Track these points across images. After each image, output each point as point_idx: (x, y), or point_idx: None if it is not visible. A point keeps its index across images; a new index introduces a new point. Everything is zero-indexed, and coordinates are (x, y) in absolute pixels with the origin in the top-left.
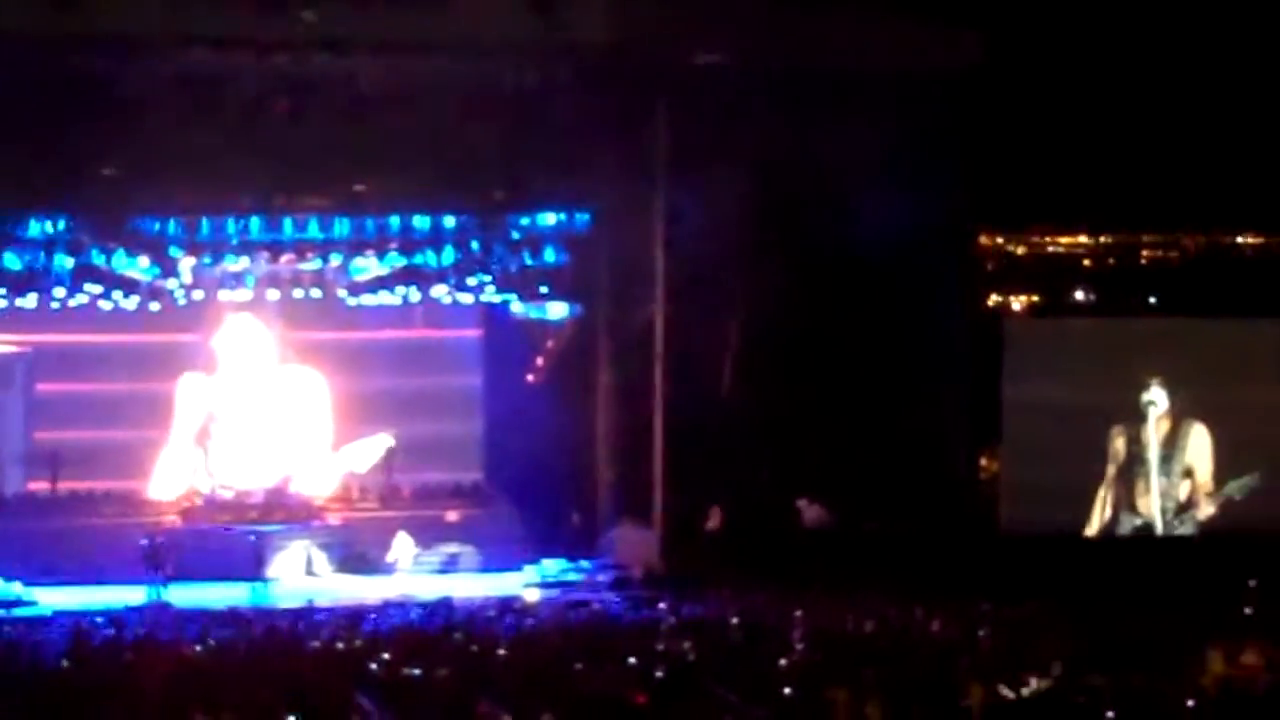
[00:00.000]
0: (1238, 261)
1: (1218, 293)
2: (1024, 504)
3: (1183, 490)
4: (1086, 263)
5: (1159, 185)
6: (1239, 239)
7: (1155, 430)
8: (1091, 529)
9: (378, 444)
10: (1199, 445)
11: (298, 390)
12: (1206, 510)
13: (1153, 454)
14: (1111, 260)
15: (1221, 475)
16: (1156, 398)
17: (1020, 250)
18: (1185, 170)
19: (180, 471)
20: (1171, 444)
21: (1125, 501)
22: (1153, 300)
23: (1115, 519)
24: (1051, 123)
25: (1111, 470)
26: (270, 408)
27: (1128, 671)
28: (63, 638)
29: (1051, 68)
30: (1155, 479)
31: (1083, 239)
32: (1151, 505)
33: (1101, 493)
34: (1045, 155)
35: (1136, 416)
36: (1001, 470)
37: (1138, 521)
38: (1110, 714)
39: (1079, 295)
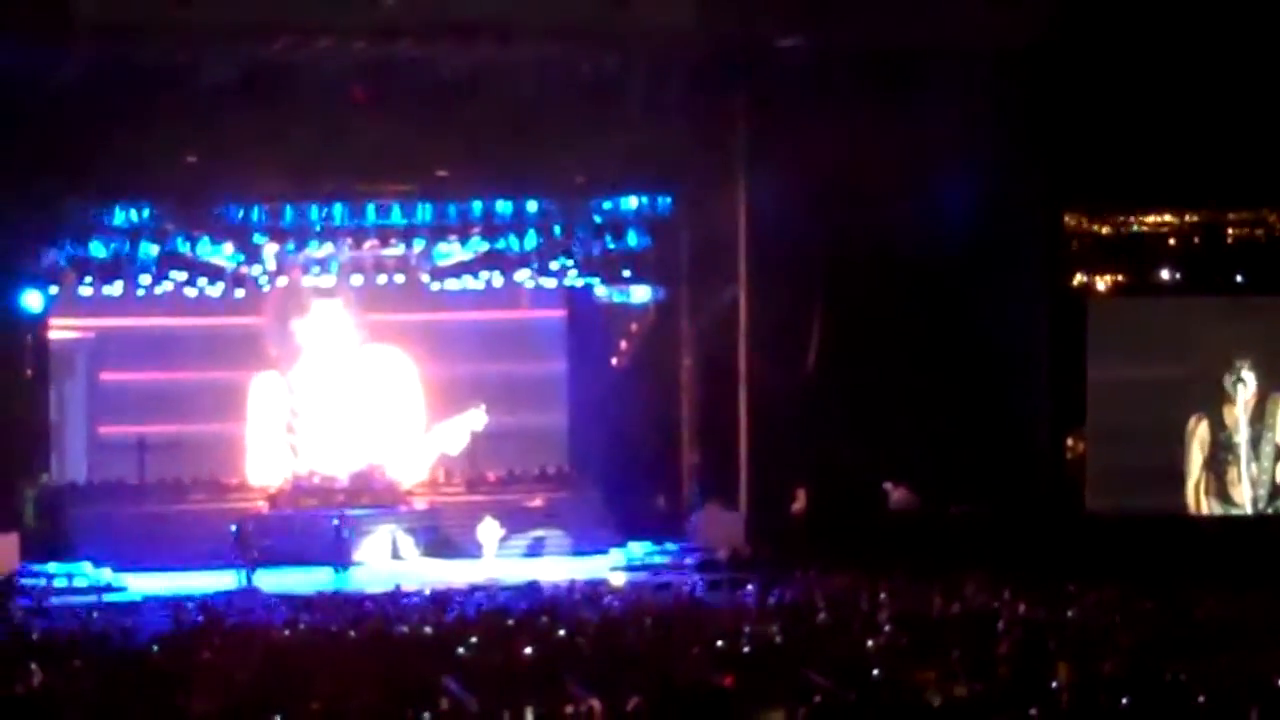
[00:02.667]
0: None
1: None
2: (1110, 485)
3: (1278, 472)
4: (1172, 241)
5: (1245, 162)
6: None
7: (1244, 411)
8: (1181, 513)
9: (469, 420)
10: None
11: (383, 376)
12: None
13: (1242, 437)
14: (1197, 239)
15: None
16: (1245, 378)
17: (1105, 230)
18: (1271, 146)
19: (267, 458)
20: (1260, 424)
21: (1215, 488)
22: (1239, 278)
23: (1206, 505)
24: (1135, 100)
25: (1199, 456)
26: (355, 393)
27: (1215, 653)
28: (152, 623)
29: (1135, 44)
30: (1245, 464)
31: (1168, 217)
32: (1243, 491)
33: (1190, 481)
34: (1129, 133)
35: (1222, 398)
36: (1087, 451)
37: (1232, 510)
38: (1199, 696)
39: (1164, 274)
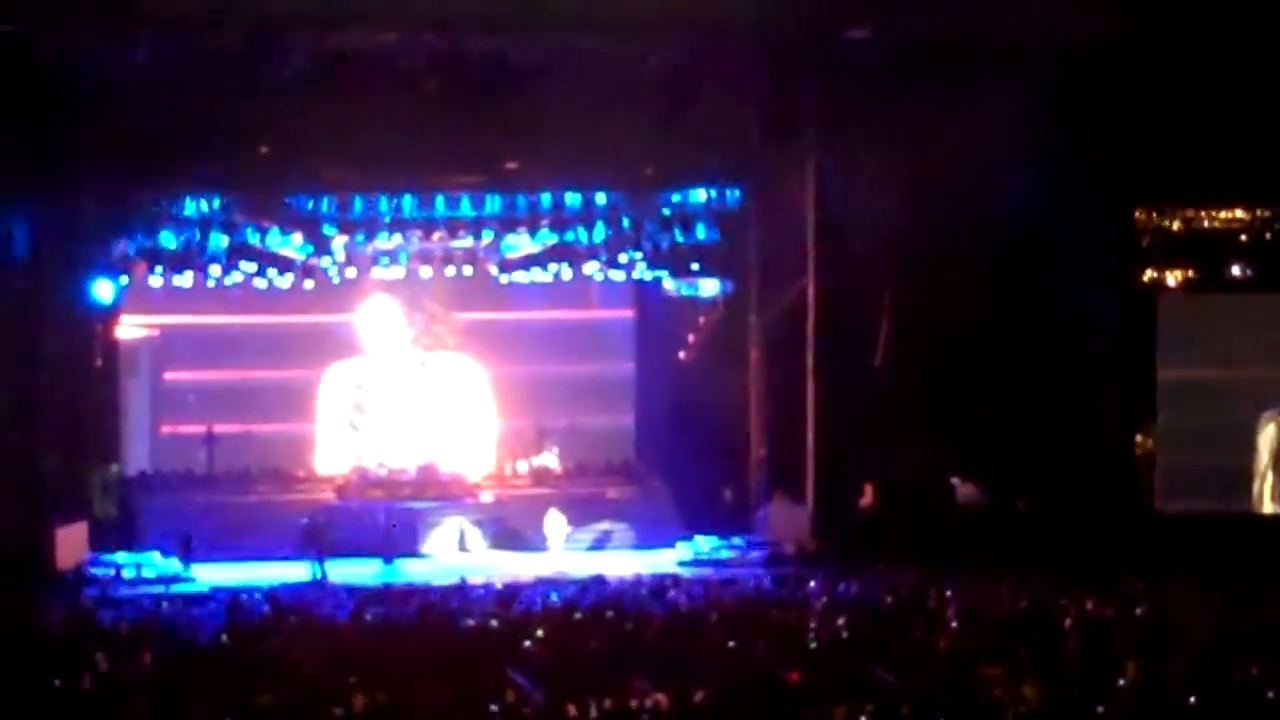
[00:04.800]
0: None
1: None
2: (1178, 483)
3: None
4: (1243, 237)
5: None
6: None
7: None
8: (1249, 511)
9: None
10: None
11: (450, 369)
12: None
13: None
14: (1268, 234)
15: None
16: None
17: (1175, 225)
18: None
19: (335, 450)
20: None
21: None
22: None
23: (1273, 507)
24: (1205, 95)
25: (1266, 457)
26: (423, 386)
27: None
28: (221, 614)
29: (1205, 39)
30: None
31: (1239, 213)
32: None
33: (1256, 483)
34: (1199, 128)
35: None
36: (1155, 448)
37: None
38: (1270, 693)
39: (1235, 270)
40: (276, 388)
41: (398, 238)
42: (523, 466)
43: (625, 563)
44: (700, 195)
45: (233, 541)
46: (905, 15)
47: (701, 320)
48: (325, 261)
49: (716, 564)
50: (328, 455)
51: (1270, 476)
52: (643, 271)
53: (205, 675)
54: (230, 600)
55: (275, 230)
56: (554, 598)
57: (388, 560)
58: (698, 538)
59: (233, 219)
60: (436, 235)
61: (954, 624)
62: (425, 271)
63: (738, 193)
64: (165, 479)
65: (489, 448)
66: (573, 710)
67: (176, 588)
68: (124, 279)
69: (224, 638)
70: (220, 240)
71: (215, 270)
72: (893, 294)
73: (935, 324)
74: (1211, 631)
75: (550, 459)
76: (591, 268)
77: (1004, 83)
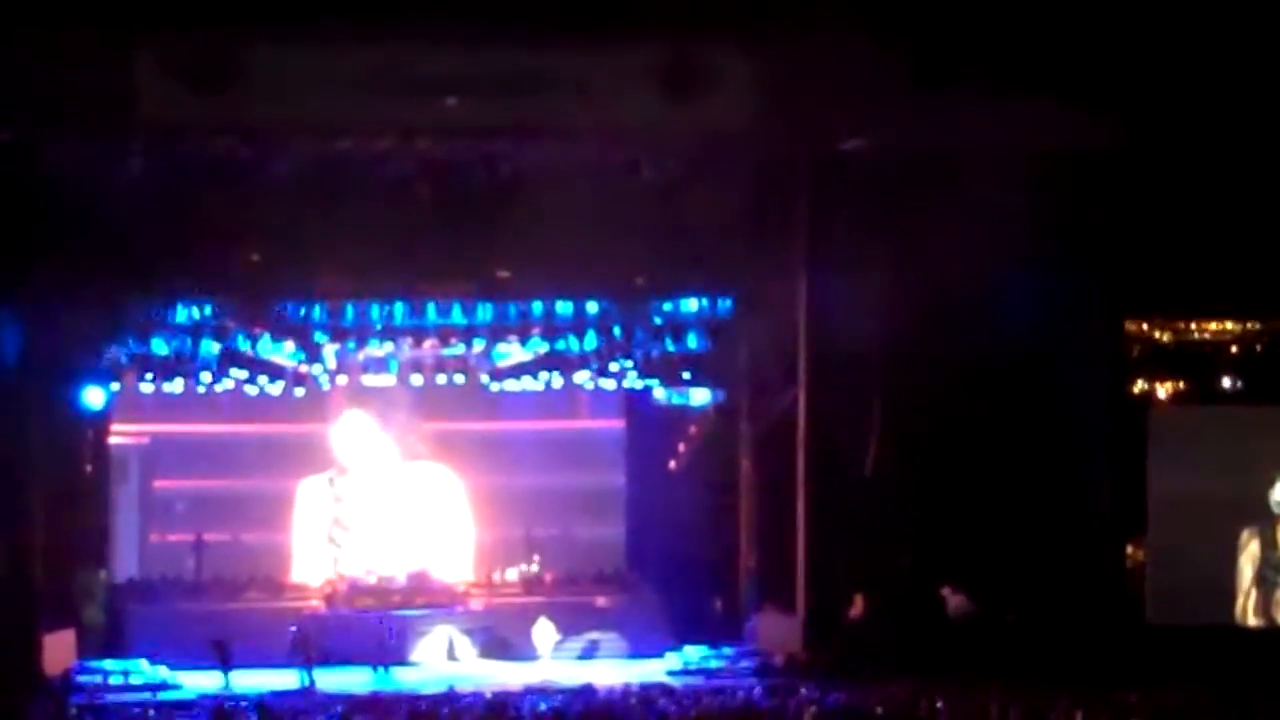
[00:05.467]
0: None
1: None
2: (1170, 595)
3: None
4: (1233, 349)
5: None
6: None
7: None
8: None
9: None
10: None
11: (439, 477)
12: None
13: None
14: (1259, 347)
15: None
16: None
17: (1165, 337)
18: None
19: (315, 560)
20: None
21: (1262, 606)
22: None
23: (1255, 623)
24: (1195, 207)
25: (1249, 571)
26: (413, 494)
27: None
28: None
29: (1196, 150)
30: None
31: (1229, 325)
32: None
33: (1240, 598)
34: (1191, 240)
35: (1273, 513)
36: (1148, 560)
37: None
38: None
39: (1225, 383)
40: (265, 496)
41: (389, 345)
42: (506, 574)
43: (615, 672)
44: (691, 304)
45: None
46: (896, 125)
47: (692, 430)
48: (316, 369)
49: (706, 674)
50: (307, 566)
51: (1254, 592)
52: (633, 380)
53: None
54: (217, 707)
55: (266, 337)
56: (543, 707)
57: (382, 668)
58: (687, 647)
59: (224, 326)
60: (428, 343)
61: None
62: (416, 379)
63: (729, 302)
64: (153, 586)
65: (477, 557)
66: None
67: (164, 695)
68: (115, 386)
69: None
70: (211, 347)
71: (206, 377)
72: (883, 404)
73: (926, 435)
74: None
75: (532, 569)
76: (582, 376)
77: (995, 194)
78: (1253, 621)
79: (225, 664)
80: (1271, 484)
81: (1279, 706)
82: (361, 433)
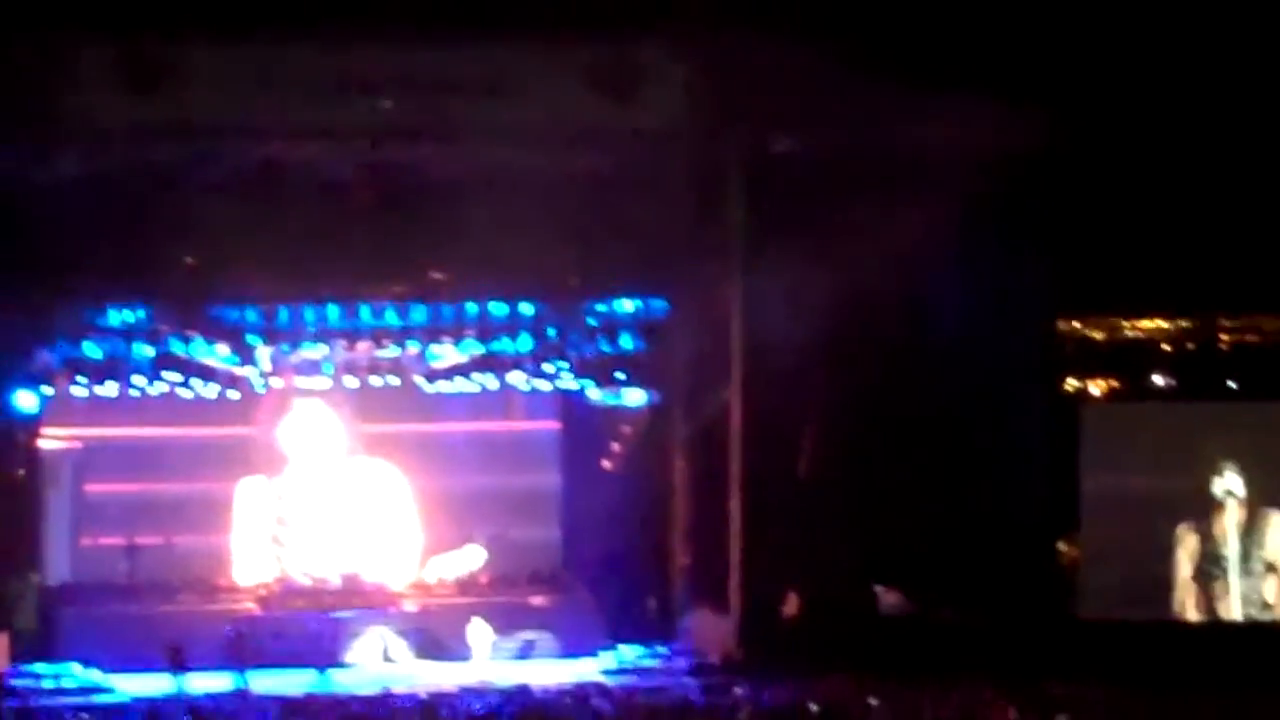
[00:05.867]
0: None
1: None
2: (1103, 591)
3: (1268, 589)
4: (1165, 347)
5: (1238, 267)
6: None
7: (1234, 525)
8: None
9: (467, 557)
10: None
11: (373, 478)
12: None
13: (1231, 550)
14: (1191, 344)
15: None
16: (1234, 486)
17: (1098, 335)
18: (1265, 252)
19: (255, 561)
20: (1249, 539)
21: (1202, 602)
22: (1232, 384)
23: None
24: (1129, 206)
25: (1187, 568)
26: (344, 502)
27: None
28: None
29: (1130, 150)
30: (1234, 579)
31: (1161, 322)
32: (1231, 607)
33: (1178, 594)
34: (1124, 238)
35: (1211, 508)
36: (1080, 557)
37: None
38: None
39: (1158, 379)
40: (199, 499)
41: (323, 348)
42: (447, 565)
43: (549, 672)
44: (625, 305)
45: (154, 652)
46: (831, 125)
47: (626, 430)
48: (250, 371)
49: (641, 673)
50: (247, 566)
51: (1193, 588)
52: (568, 381)
53: None
54: (150, 710)
55: (200, 340)
56: (478, 707)
57: (321, 670)
58: (622, 647)
59: (157, 329)
60: (362, 345)
61: None
62: (351, 381)
63: (663, 302)
64: (86, 590)
65: (412, 557)
66: None
67: (97, 698)
68: (47, 389)
69: None
70: (144, 350)
71: (139, 380)
72: (817, 403)
73: (860, 433)
74: None
75: (476, 553)
76: (517, 377)
77: (929, 193)
78: (1192, 617)
79: (179, 669)
80: (1204, 480)
81: (1212, 700)
82: (301, 433)
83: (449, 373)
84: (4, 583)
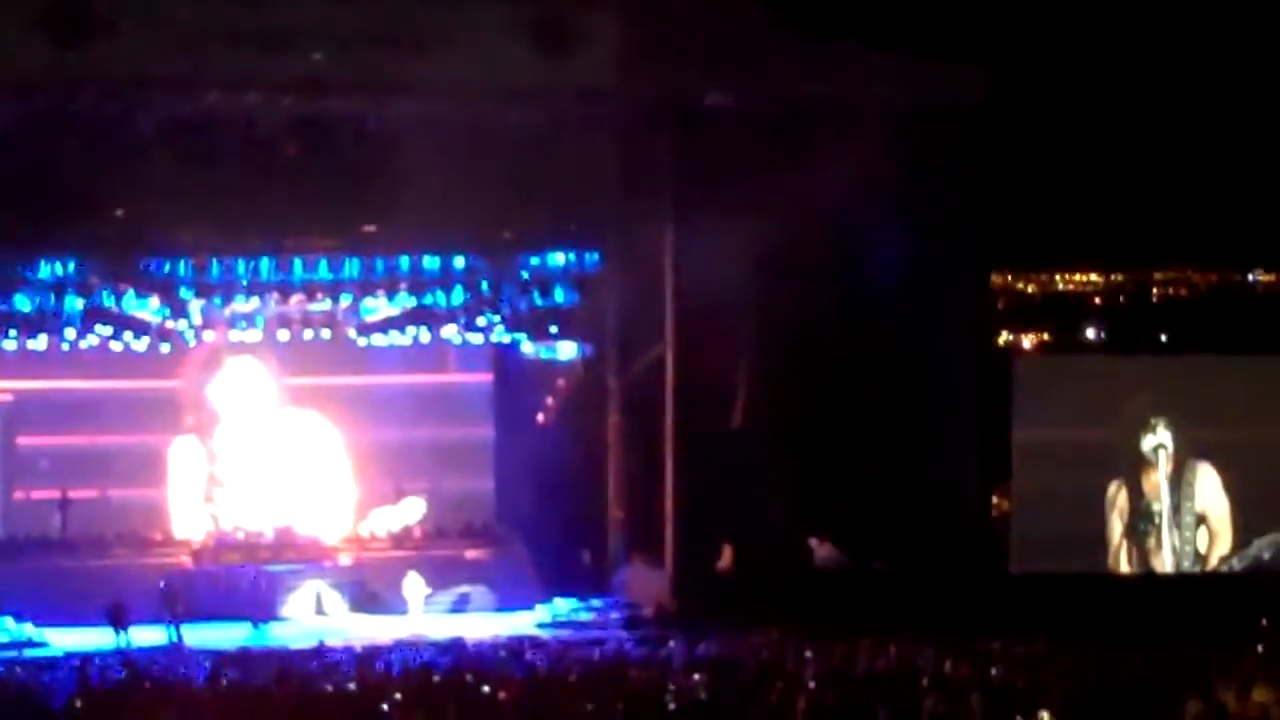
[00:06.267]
0: (1249, 298)
1: (1229, 330)
2: (1035, 543)
3: (1201, 540)
4: (1097, 300)
5: (1169, 222)
6: (1250, 276)
7: (1164, 478)
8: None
9: (406, 510)
10: (1208, 488)
11: (308, 432)
12: (1234, 566)
13: (1163, 504)
14: (1122, 298)
15: (1239, 521)
16: (1164, 440)
17: (1030, 288)
18: (1196, 207)
19: (189, 519)
20: (1179, 492)
21: (1136, 557)
22: (1163, 338)
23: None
24: (1061, 160)
25: (1119, 524)
26: (277, 456)
27: (1141, 709)
28: (73, 679)
29: (1061, 105)
30: (1167, 532)
31: (1093, 276)
32: (1164, 560)
33: (1113, 547)
34: (1055, 193)
35: (1143, 462)
36: (1012, 509)
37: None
38: None
39: (1089, 333)
40: (131, 452)
41: (255, 301)
42: (386, 519)
43: (484, 625)
44: (558, 259)
45: (87, 606)
46: (762, 80)
47: (560, 383)
48: (182, 324)
49: (575, 626)
50: (181, 521)
51: (1126, 544)
52: (501, 335)
53: None
54: (83, 665)
55: (131, 293)
56: (413, 660)
57: (256, 623)
58: (557, 600)
59: (88, 282)
60: (294, 298)
61: (812, 684)
62: (283, 335)
63: (596, 256)
64: (19, 543)
65: (347, 511)
66: None
67: (30, 653)
68: None
69: (77, 703)
70: (75, 303)
71: (70, 333)
72: (750, 357)
73: (793, 387)
74: (1067, 690)
75: (415, 506)
76: (450, 331)
77: (862, 146)
78: (1125, 569)
79: (120, 625)
80: (1135, 433)
81: (1140, 652)
82: (233, 387)
83: (382, 326)
84: None
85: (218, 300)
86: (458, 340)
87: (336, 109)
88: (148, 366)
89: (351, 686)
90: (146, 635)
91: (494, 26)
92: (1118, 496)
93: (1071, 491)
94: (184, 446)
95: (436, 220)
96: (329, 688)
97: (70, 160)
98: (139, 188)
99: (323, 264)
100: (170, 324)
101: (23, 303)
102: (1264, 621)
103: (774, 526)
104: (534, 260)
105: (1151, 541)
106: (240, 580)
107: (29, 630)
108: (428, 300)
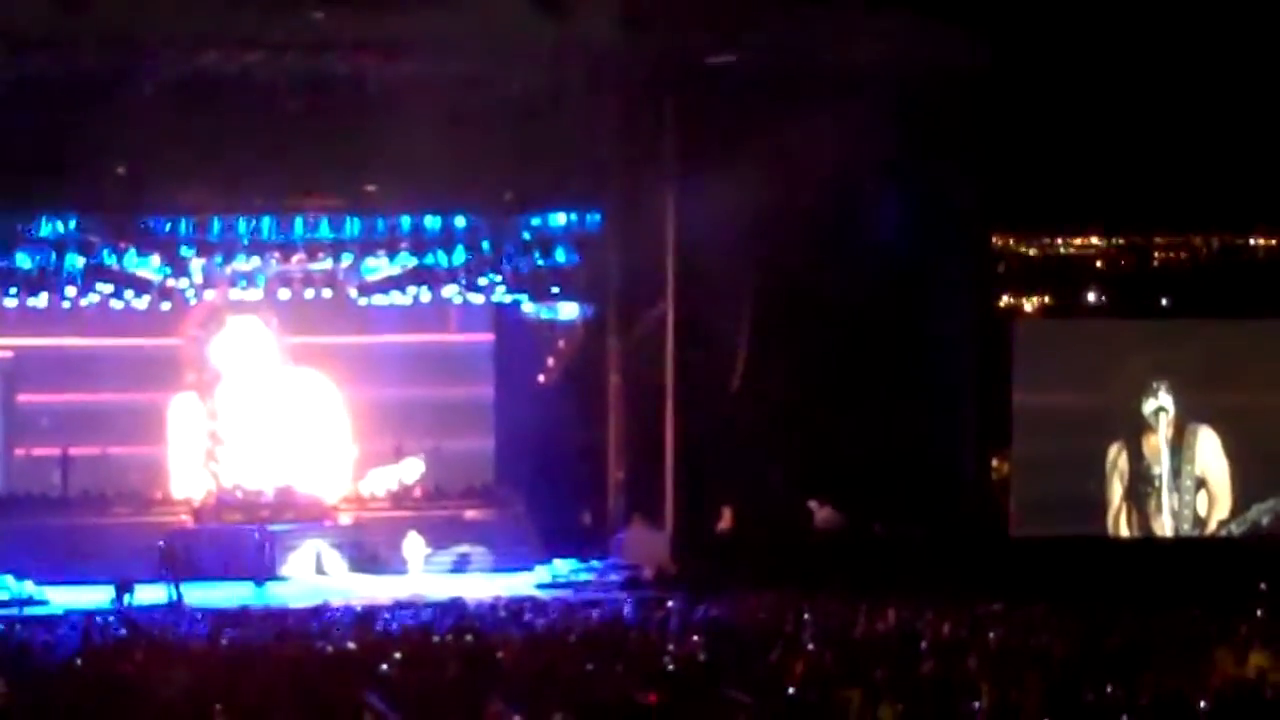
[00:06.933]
0: (1250, 262)
1: (1230, 294)
2: (1034, 507)
3: (1200, 503)
4: (1098, 264)
5: (1171, 186)
6: (1251, 240)
7: (1164, 441)
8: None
9: (405, 469)
10: (1209, 451)
11: (309, 391)
12: (1232, 531)
13: (1163, 467)
14: (1123, 262)
15: (1238, 486)
16: (1165, 403)
17: (1032, 252)
18: (1197, 171)
19: (189, 477)
20: (1179, 456)
21: (1136, 520)
22: (1164, 302)
23: (1128, 535)
24: (1063, 124)
25: (1119, 487)
26: (278, 415)
27: (1138, 673)
28: (75, 637)
29: (1063, 69)
30: (1166, 495)
31: (1094, 240)
32: (1164, 523)
33: (1113, 511)
34: (1057, 156)
35: (1143, 426)
36: (1011, 473)
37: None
38: (1123, 716)
39: (1090, 297)
40: (132, 410)
41: (256, 260)
42: (386, 478)
43: (484, 585)
44: (560, 219)
45: (87, 564)
46: (765, 41)
47: (561, 344)
48: (183, 283)
49: (575, 586)
50: (182, 479)
51: (1127, 506)
52: (502, 295)
53: (59, 698)
54: (85, 622)
55: (132, 252)
56: (412, 620)
57: (259, 582)
58: (556, 561)
59: (89, 240)
60: (295, 257)
61: (811, 646)
62: (284, 294)
63: (597, 216)
64: (19, 501)
65: (347, 470)
66: None
67: (30, 610)
68: None
69: (78, 661)
70: (76, 261)
71: (71, 292)
72: (751, 318)
73: (793, 349)
74: (1064, 654)
75: (415, 465)
76: (451, 291)
77: (864, 109)
78: (1125, 534)
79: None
80: (1135, 397)
81: (1139, 614)
82: (234, 345)
83: (383, 285)
84: None
85: (219, 259)
86: (459, 300)
87: (338, 68)
88: (149, 324)
89: (351, 646)
90: (147, 594)
91: None
92: (1118, 460)
93: (1071, 455)
94: (184, 405)
95: (438, 180)
96: (329, 647)
97: (71, 119)
98: (140, 146)
99: (324, 223)
100: (171, 282)
101: (24, 260)
102: (1262, 586)
103: (774, 489)
104: (535, 220)
105: (1151, 505)
106: (241, 539)
107: (29, 588)
108: (429, 260)
